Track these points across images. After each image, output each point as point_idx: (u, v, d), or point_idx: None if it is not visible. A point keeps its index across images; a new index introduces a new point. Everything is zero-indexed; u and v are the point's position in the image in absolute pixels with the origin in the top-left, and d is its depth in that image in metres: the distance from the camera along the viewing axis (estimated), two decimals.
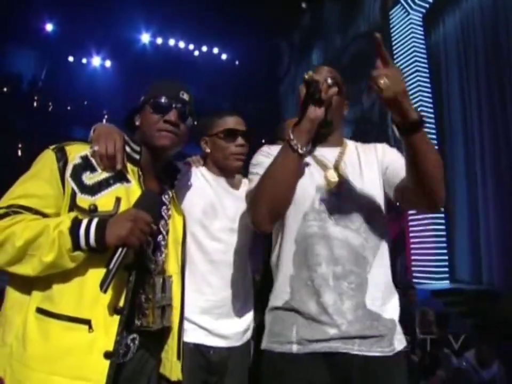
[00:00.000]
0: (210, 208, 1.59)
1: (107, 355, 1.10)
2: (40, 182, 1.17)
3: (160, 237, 1.32)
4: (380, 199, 1.36)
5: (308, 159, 1.35)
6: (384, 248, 1.34)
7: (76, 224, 1.09)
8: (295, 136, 1.21)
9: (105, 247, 1.10)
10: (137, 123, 1.36)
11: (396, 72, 1.07)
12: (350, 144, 1.45)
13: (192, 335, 1.45)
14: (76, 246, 1.08)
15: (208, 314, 1.54)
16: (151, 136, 1.31)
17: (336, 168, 1.35)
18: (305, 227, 1.28)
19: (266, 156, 1.38)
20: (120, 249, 1.09)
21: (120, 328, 1.14)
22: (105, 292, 1.06)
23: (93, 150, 1.23)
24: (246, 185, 1.46)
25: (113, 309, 1.14)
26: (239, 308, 1.59)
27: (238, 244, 1.59)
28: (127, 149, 1.30)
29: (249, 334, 1.64)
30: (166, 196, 1.39)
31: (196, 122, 1.41)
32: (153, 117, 1.31)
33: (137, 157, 1.30)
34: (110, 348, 1.11)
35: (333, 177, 1.32)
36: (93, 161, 1.23)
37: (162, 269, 1.33)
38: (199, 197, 1.60)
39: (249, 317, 1.64)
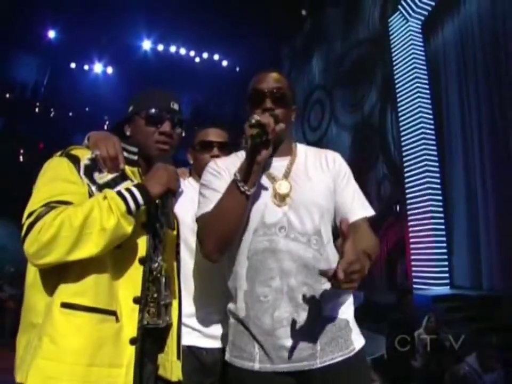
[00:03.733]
0: None
1: (132, 341, 1.18)
2: (63, 183, 1.18)
3: (157, 239, 1.35)
4: (331, 208, 1.34)
5: None
6: (336, 258, 1.29)
7: (117, 193, 1.17)
8: (243, 179, 1.20)
9: (152, 200, 1.23)
10: (127, 133, 1.39)
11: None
12: (300, 152, 1.42)
13: (185, 338, 1.46)
14: (128, 209, 1.15)
15: (200, 316, 1.58)
16: (147, 147, 1.35)
17: (286, 179, 1.32)
18: (256, 242, 1.26)
19: (214, 174, 1.37)
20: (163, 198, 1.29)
21: (140, 316, 1.21)
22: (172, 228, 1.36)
23: (94, 154, 1.26)
24: None
25: (132, 299, 1.21)
26: None
27: None
28: (124, 153, 1.33)
29: None
30: None
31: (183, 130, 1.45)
32: (148, 129, 1.35)
33: (135, 157, 1.36)
34: (134, 334, 1.19)
35: (282, 189, 1.29)
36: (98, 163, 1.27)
37: (162, 269, 1.36)
38: (190, 205, 1.63)
39: None
